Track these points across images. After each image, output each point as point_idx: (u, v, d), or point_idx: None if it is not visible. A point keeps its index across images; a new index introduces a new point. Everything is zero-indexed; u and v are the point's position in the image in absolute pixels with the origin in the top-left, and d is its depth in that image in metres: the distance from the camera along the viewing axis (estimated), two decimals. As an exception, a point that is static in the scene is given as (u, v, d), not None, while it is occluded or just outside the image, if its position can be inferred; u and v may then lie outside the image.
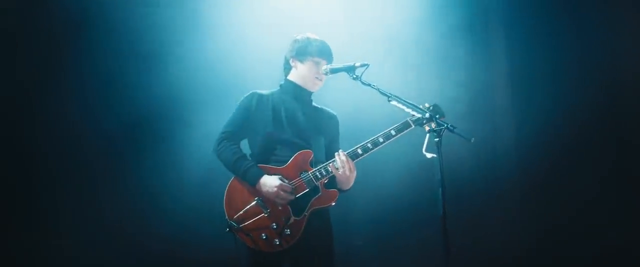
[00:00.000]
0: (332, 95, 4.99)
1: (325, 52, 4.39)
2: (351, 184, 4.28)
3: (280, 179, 4.17)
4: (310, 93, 4.48)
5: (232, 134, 4.34)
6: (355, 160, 4.20)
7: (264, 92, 4.42)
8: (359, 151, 4.19)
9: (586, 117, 5.95)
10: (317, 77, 4.38)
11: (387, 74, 5.75)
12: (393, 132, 4.16)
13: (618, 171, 5.91)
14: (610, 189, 5.89)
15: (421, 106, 3.96)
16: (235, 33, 5.87)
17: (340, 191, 4.32)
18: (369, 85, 4.09)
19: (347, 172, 4.15)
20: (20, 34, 5.67)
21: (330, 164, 4.19)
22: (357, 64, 4.13)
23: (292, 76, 4.47)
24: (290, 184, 4.19)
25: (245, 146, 4.41)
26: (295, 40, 4.47)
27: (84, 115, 5.79)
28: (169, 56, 5.87)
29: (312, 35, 4.48)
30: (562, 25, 6.03)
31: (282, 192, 4.14)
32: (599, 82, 5.95)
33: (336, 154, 4.18)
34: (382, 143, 4.18)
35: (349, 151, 4.20)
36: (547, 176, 6.07)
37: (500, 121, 6.24)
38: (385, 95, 4.01)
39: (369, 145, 4.18)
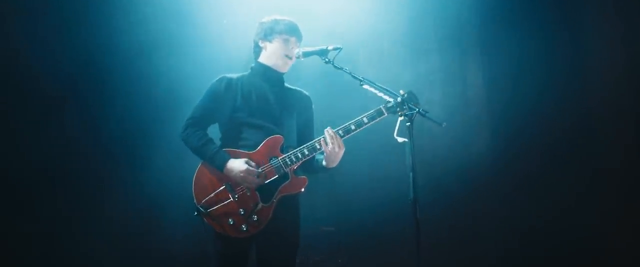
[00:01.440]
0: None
1: (293, 29, 4.33)
2: (338, 161, 4.21)
3: (247, 162, 4.11)
4: (281, 74, 4.41)
5: (199, 119, 4.27)
6: None
7: (234, 76, 4.35)
8: (340, 132, 4.12)
9: (560, 105, 6.01)
10: (286, 55, 4.30)
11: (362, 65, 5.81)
12: (365, 120, 4.11)
13: (589, 162, 5.97)
14: (582, 179, 5.96)
15: (392, 91, 3.93)
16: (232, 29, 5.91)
17: (327, 169, 4.26)
18: (341, 69, 4.07)
19: (336, 149, 4.09)
20: (20, 36, 5.65)
21: (321, 140, 4.12)
22: (330, 47, 4.10)
23: (262, 58, 4.40)
24: (259, 170, 4.13)
25: (215, 130, 4.35)
26: (262, 23, 4.41)
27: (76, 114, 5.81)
28: (166, 52, 5.91)
29: (279, 16, 4.40)
30: (534, 27, 6.13)
31: (249, 176, 4.08)
32: (568, 82, 6.05)
33: (325, 130, 4.11)
34: (354, 130, 4.12)
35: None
36: (519, 162, 6.12)
37: (475, 110, 6.27)
38: (357, 79, 3.99)
39: (340, 132, 4.12)
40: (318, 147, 4.13)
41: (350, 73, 4.02)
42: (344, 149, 4.14)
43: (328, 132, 4.10)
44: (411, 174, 3.62)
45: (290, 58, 4.31)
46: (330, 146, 4.08)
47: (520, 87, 6.07)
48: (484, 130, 6.23)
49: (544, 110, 6.01)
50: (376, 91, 3.95)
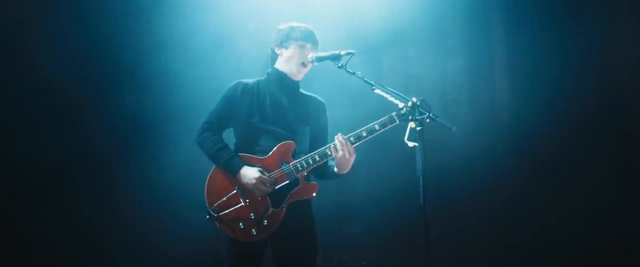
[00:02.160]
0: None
1: (309, 36, 4.36)
2: (349, 168, 4.22)
3: (260, 171, 4.13)
4: (296, 81, 4.43)
5: (214, 124, 4.30)
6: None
7: (249, 81, 4.38)
8: (352, 139, 4.12)
9: (579, 111, 5.99)
10: (302, 63, 4.33)
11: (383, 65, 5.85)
12: (377, 127, 4.10)
13: (610, 166, 5.94)
14: (598, 183, 5.93)
15: (404, 96, 3.92)
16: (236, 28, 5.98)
17: (339, 175, 4.27)
18: (354, 73, 4.08)
19: (347, 155, 4.09)
20: (22, 32, 5.72)
21: (331, 146, 4.12)
22: (343, 53, 4.11)
23: (278, 64, 4.43)
24: (270, 175, 4.14)
25: (230, 134, 4.39)
26: (279, 30, 4.44)
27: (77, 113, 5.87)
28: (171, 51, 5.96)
29: (296, 23, 4.44)
30: (561, 22, 6.10)
31: (261, 185, 4.10)
32: (595, 79, 6.00)
33: (336, 137, 4.11)
34: (365, 137, 4.12)
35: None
36: (533, 167, 6.11)
37: (496, 111, 6.28)
38: (369, 84, 4.00)
39: (351, 139, 4.12)
40: (329, 153, 4.14)
41: (362, 78, 4.04)
42: (355, 156, 4.14)
43: (338, 138, 4.10)
44: (421, 178, 3.62)
45: (305, 66, 4.33)
46: (340, 152, 4.08)
47: (535, 91, 6.06)
48: (495, 134, 6.23)
49: (557, 112, 6.00)
50: (388, 96, 3.95)
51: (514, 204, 6.08)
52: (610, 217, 5.80)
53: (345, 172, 4.25)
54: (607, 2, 6.03)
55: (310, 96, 4.53)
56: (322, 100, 4.57)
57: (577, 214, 5.88)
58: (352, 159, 4.15)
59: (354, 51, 4.10)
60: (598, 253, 5.76)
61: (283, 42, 4.39)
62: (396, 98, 3.93)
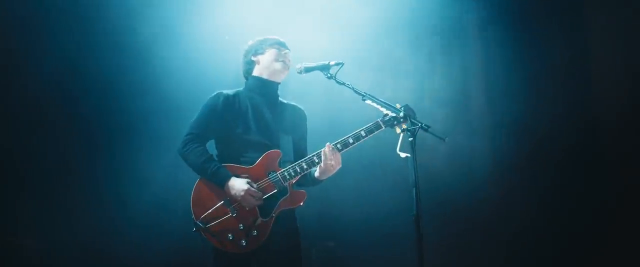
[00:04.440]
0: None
1: (282, 42, 4.42)
2: (330, 175, 4.23)
3: (249, 182, 4.10)
4: (276, 85, 4.42)
5: (198, 136, 4.24)
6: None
7: (230, 92, 4.34)
8: (339, 146, 4.12)
9: (563, 118, 6.05)
10: (281, 61, 4.33)
11: (361, 76, 5.81)
12: (363, 133, 4.12)
13: (595, 170, 5.99)
14: (587, 190, 5.97)
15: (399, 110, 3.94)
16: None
17: (319, 181, 4.28)
18: (343, 84, 4.08)
19: (334, 163, 4.11)
20: (32, 36, 5.69)
21: (321, 153, 4.11)
22: (332, 63, 4.11)
23: (256, 71, 4.42)
24: (258, 185, 4.12)
25: (211, 145, 4.33)
26: (250, 43, 4.48)
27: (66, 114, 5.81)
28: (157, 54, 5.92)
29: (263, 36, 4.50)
30: (538, 29, 6.16)
31: (249, 197, 4.07)
32: (575, 85, 6.07)
33: (326, 145, 4.11)
34: (352, 144, 4.13)
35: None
36: (523, 175, 6.14)
37: (477, 121, 6.28)
38: (360, 94, 4.00)
39: (338, 146, 4.13)
40: (316, 161, 4.13)
41: (352, 88, 4.03)
42: (340, 165, 4.15)
43: (328, 147, 4.10)
44: (414, 189, 3.63)
45: (285, 63, 4.34)
46: (328, 161, 4.08)
47: (521, 95, 6.10)
48: (485, 142, 6.25)
49: (548, 118, 6.06)
50: (378, 106, 3.96)
51: (511, 214, 6.14)
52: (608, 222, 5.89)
53: (325, 178, 4.27)
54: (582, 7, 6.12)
55: (289, 104, 4.53)
56: (302, 108, 4.57)
57: (573, 220, 5.93)
58: (338, 167, 4.16)
59: (343, 62, 4.10)
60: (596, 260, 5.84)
61: (258, 50, 4.40)
62: (387, 108, 3.95)
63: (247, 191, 4.07)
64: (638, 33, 5.86)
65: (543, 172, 6.08)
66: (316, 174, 4.23)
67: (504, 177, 6.15)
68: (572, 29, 6.08)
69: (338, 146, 4.12)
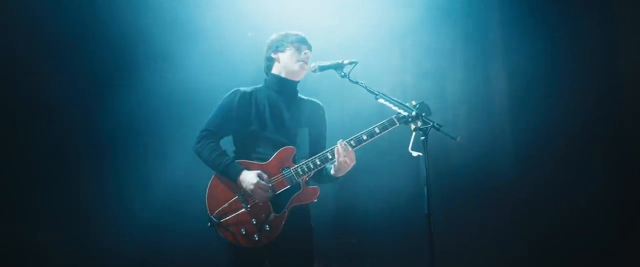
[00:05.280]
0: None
1: (303, 39, 4.41)
2: (346, 172, 4.24)
3: (259, 175, 4.14)
4: (295, 83, 4.45)
5: (212, 133, 4.29)
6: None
7: (247, 89, 4.38)
8: (352, 142, 4.15)
9: (582, 117, 5.99)
10: (301, 61, 4.35)
11: (379, 72, 5.81)
12: (377, 130, 4.14)
13: (613, 171, 5.93)
14: (604, 190, 5.91)
15: (408, 104, 3.96)
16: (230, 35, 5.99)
17: (335, 178, 4.30)
18: (357, 82, 4.11)
19: (348, 161, 4.13)
20: (16, 35, 5.69)
21: (334, 150, 4.14)
22: (345, 62, 4.15)
23: (275, 69, 4.44)
24: (271, 180, 4.16)
25: (229, 143, 4.38)
26: (272, 39, 4.47)
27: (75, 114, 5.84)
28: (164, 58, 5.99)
29: (287, 31, 4.48)
30: (559, 24, 6.08)
31: (259, 190, 4.11)
32: (596, 82, 5.99)
33: (338, 142, 4.13)
34: (365, 140, 4.16)
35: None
36: (536, 174, 6.10)
37: (496, 120, 6.25)
38: (373, 93, 4.03)
39: (352, 142, 4.15)
40: (330, 157, 4.17)
41: (366, 87, 4.07)
42: (355, 162, 4.18)
43: (341, 144, 4.13)
44: (426, 188, 3.67)
45: (305, 63, 4.36)
46: (342, 158, 4.11)
47: (540, 94, 6.06)
48: (500, 140, 6.23)
49: (571, 122, 6.00)
50: (391, 105, 3.98)
51: (520, 212, 6.10)
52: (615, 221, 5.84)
53: (341, 175, 4.28)
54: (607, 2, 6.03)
55: (309, 100, 4.55)
56: (321, 104, 4.59)
57: (583, 219, 5.89)
58: (352, 164, 4.18)
59: (357, 60, 4.14)
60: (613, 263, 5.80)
61: (278, 47, 4.40)
62: (400, 107, 3.96)
63: (256, 183, 4.11)
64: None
65: (562, 172, 6.03)
66: (332, 171, 4.26)
67: (525, 175, 6.11)
68: (599, 25, 5.99)
69: (351, 142, 4.14)
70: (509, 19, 6.21)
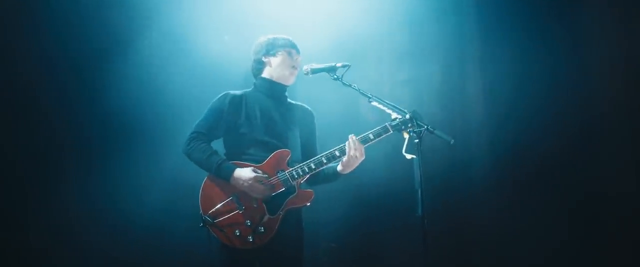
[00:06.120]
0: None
1: (293, 43, 4.46)
2: (353, 168, 4.27)
3: (254, 170, 4.16)
4: (285, 88, 4.49)
5: (202, 135, 4.30)
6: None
7: (237, 92, 4.40)
8: (337, 153, 4.19)
9: (560, 118, 6.00)
10: (292, 66, 4.40)
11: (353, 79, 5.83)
12: (371, 136, 4.17)
13: (598, 170, 5.92)
14: (586, 189, 5.92)
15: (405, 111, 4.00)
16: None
17: (339, 175, 4.32)
18: (350, 86, 4.14)
19: (358, 155, 4.15)
20: (34, 36, 5.70)
21: (345, 144, 4.15)
22: (338, 65, 4.17)
23: (266, 73, 4.47)
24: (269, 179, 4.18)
25: (219, 146, 4.38)
26: (260, 41, 4.50)
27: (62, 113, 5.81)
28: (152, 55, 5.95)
29: (275, 34, 4.52)
30: (536, 29, 6.10)
31: (257, 184, 4.13)
32: (574, 85, 6.00)
33: (350, 136, 4.15)
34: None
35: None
36: (526, 176, 6.10)
37: (476, 121, 6.24)
38: (366, 96, 4.07)
39: (336, 153, 4.19)
40: (338, 154, 4.18)
41: (358, 90, 4.10)
42: (364, 157, 4.19)
43: (352, 138, 4.15)
44: (419, 190, 3.70)
45: (296, 68, 4.41)
46: (352, 152, 4.13)
47: (521, 95, 6.07)
48: (485, 142, 6.23)
49: (548, 118, 6.00)
50: (385, 108, 4.02)
51: (514, 215, 6.10)
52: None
53: (348, 171, 4.30)
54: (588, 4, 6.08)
55: (298, 104, 4.59)
56: (310, 109, 4.63)
57: (577, 220, 5.91)
58: (361, 159, 4.20)
59: (350, 64, 4.16)
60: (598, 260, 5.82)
61: (269, 51, 4.44)
62: (393, 110, 4.00)
63: (254, 178, 4.13)
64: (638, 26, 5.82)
65: (547, 172, 6.03)
66: (339, 167, 4.27)
67: (506, 179, 6.14)
68: (571, 27, 6.02)
69: (336, 153, 4.19)
70: (485, 24, 6.22)
